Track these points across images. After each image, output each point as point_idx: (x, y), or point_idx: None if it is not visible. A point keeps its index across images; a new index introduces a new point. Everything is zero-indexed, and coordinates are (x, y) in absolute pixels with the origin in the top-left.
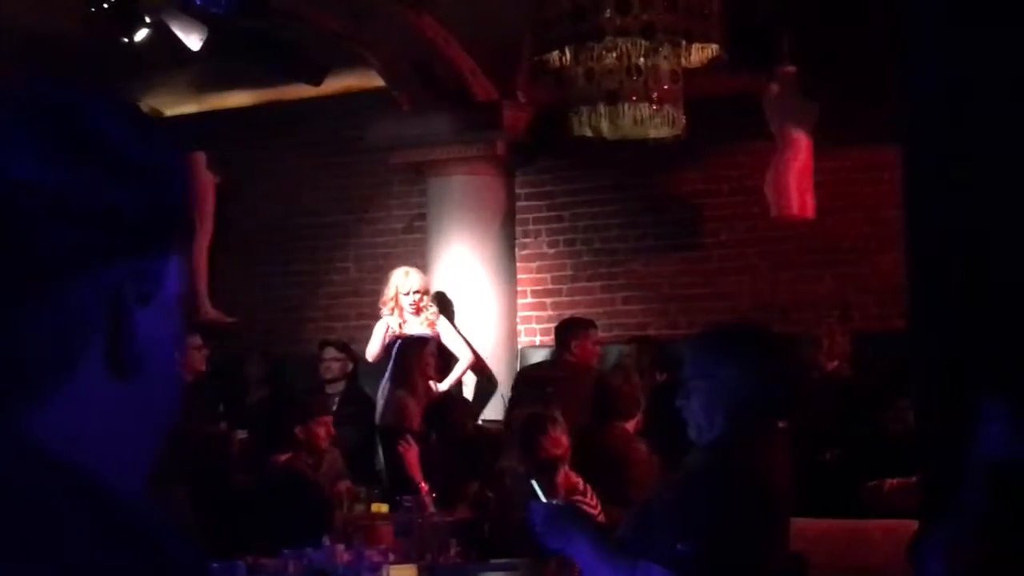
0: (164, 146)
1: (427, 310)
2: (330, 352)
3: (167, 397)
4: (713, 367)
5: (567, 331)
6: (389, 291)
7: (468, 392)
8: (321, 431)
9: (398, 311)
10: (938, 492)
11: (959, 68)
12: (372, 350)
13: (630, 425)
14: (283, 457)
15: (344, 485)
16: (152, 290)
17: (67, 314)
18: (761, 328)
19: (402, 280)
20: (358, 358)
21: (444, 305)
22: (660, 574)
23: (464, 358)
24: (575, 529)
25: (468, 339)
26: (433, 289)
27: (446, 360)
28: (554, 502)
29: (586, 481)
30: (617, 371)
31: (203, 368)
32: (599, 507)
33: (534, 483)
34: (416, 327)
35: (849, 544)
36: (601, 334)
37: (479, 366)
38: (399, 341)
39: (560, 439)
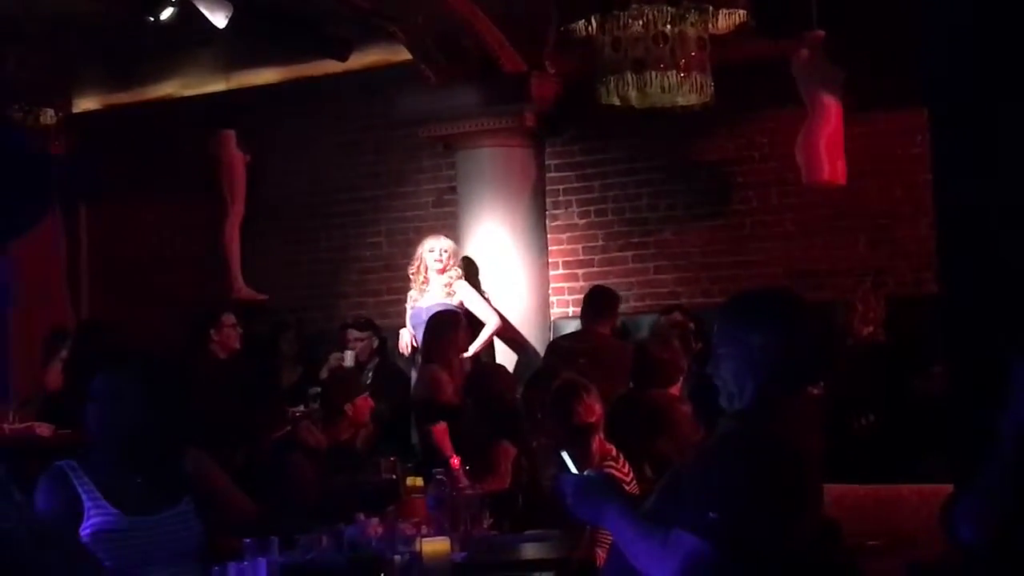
0: None
1: (451, 270)
2: (352, 334)
3: None
4: (742, 334)
5: (605, 303)
6: (416, 254)
7: (506, 362)
8: (366, 406)
9: (423, 271)
10: (970, 457)
11: (984, 28)
12: (403, 340)
13: (674, 390)
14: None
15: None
16: None
17: None
18: (789, 293)
19: (430, 241)
20: (385, 333)
21: (471, 270)
22: (692, 542)
23: (490, 323)
24: (606, 499)
25: (495, 305)
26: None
27: (471, 326)
28: (584, 473)
29: (627, 444)
30: (656, 338)
31: (237, 346)
32: (632, 474)
33: (564, 454)
34: (437, 294)
35: (883, 510)
36: (634, 303)
37: (509, 333)
38: (431, 315)
39: (594, 406)
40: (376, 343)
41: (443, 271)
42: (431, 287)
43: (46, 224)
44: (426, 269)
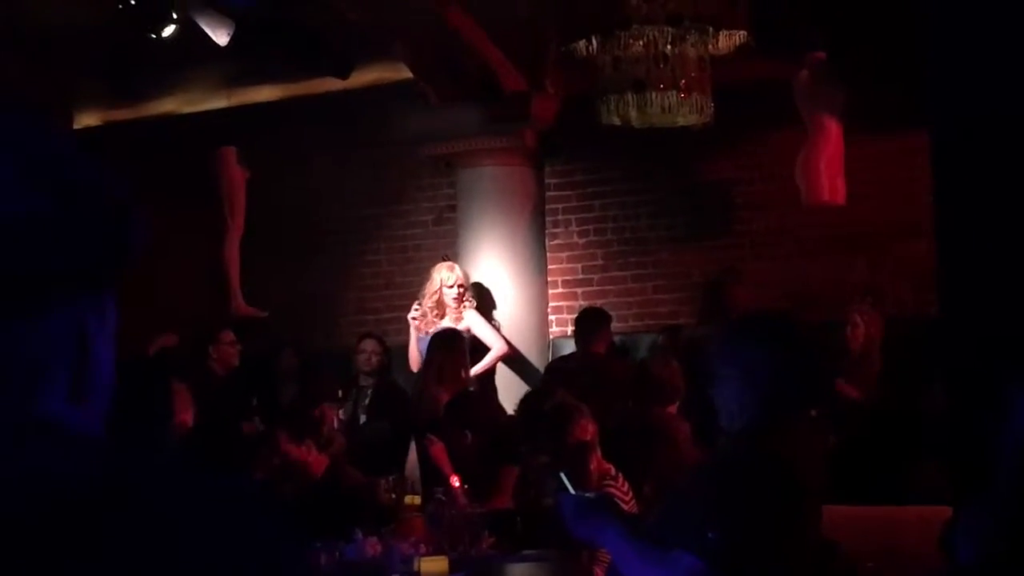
0: (120, 184)
1: (465, 299)
2: (370, 344)
3: (102, 417)
4: (741, 355)
5: (594, 323)
6: (432, 285)
7: (503, 382)
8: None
9: (439, 305)
10: (971, 477)
11: (986, 50)
12: (412, 356)
13: (672, 409)
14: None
15: (384, 479)
16: (108, 322)
17: (42, 347)
18: (787, 315)
19: (447, 274)
20: (391, 352)
21: (482, 296)
22: (691, 562)
23: (496, 347)
24: (604, 519)
25: (500, 329)
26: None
27: (476, 351)
28: (583, 493)
29: (625, 462)
30: (658, 357)
31: (236, 363)
32: (631, 494)
33: (562, 475)
34: (447, 320)
35: (882, 531)
36: (632, 323)
37: (513, 356)
38: (433, 335)
39: (587, 425)
40: (385, 361)
41: (459, 302)
42: (445, 319)
43: None
44: (444, 305)
